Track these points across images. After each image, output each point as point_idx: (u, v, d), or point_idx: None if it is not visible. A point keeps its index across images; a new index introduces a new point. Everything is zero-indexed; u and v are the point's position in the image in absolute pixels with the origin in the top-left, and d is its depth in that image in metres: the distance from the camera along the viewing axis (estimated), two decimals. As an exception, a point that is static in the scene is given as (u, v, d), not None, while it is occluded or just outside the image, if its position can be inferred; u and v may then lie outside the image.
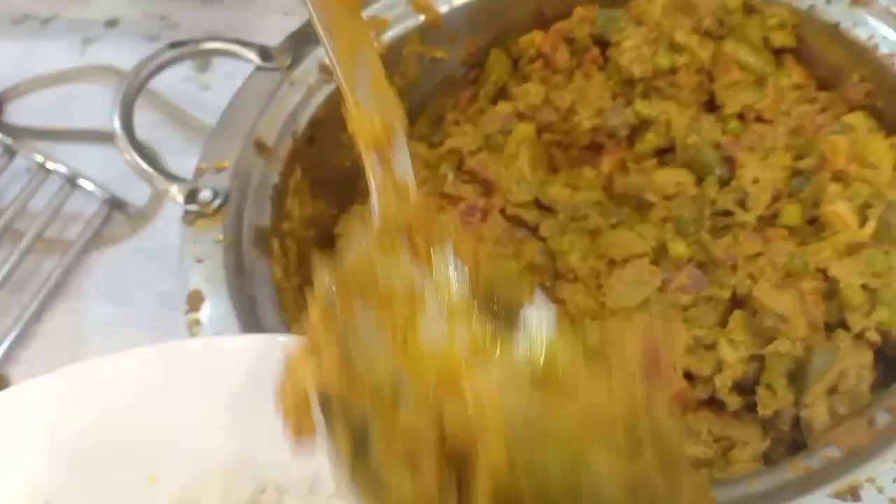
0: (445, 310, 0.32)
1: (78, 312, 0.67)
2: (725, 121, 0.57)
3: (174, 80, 0.76)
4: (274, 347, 0.36)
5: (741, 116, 0.57)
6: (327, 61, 0.38)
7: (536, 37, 0.61)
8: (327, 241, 0.60)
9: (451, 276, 0.33)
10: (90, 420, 0.39)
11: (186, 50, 0.54)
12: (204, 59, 0.77)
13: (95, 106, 0.73)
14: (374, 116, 0.37)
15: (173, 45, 0.54)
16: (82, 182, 0.70)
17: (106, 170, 0.70)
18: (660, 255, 0.53)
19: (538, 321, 0.32)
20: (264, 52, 0.56)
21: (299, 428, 0.32)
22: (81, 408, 0.40)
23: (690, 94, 0.58)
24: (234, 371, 0.39)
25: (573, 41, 0.60)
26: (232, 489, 0.39)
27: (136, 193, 0.71)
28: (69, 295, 0.68)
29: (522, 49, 0.62)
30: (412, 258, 0.33)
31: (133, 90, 0.53)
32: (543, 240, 0.56)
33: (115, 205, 0.70)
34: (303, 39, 0.58)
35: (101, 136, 0.72)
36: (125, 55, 0.65)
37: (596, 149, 0.59)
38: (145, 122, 0.76)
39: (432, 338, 0.32)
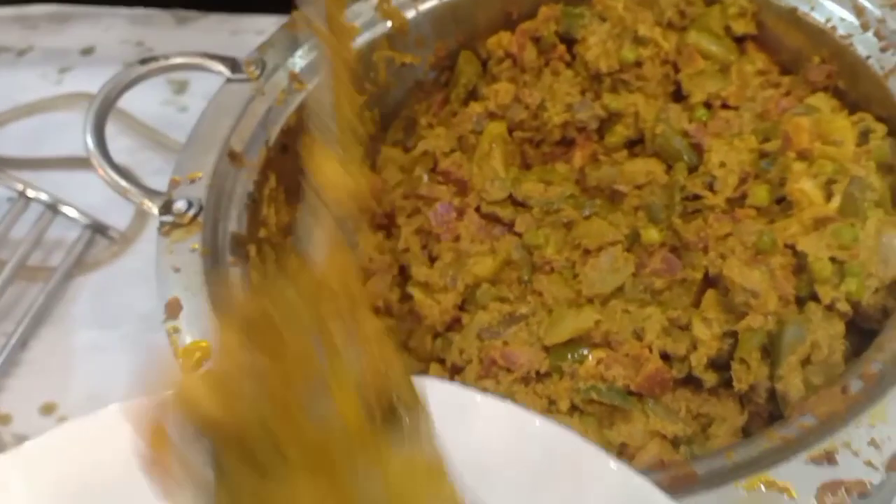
0: (331, 388, 0.31)
1: (64, 338, 0.67)
2: (692, 109, 0.58)
3: (152, 104, 0.77)
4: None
5: (707, 104, 0.58)
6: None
7: (504, 38, 0.62)
8: (305, 248, 0.60)
9: (350, 360, 0.31)
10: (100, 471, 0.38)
11: (156, 66, 0.55)
12: (179, 78, 0.78)
13: (74, 133, 0.72)
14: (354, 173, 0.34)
15: (143, 62, 0.55)
16: (63, 208, 0.71)
17: (87, 195, 0.70)
18: (633, 242, 0.54)
19: (413, 428, 0.32)
20: (234, 65, 0.57)
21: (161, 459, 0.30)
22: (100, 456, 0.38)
23: (657, 85, 0.59)
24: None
25: (540, 40, 0.61)
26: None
27: (118, 217, 0.71)
28: (54, 321, 0.68)
29: (491, 50, 0.63)
30: (320, 326, 0.31)
31: (104, 108, 0.54)
32: (519, 235, 0.57)
33: (97, 229, 0.71)
34: (271, 50, 0.59)
35: (81, 163, 0.72)
36: (102, 82, 0.66)
37: (567, 144, 0.60)
38: (124, 146, 0.77)
39: (313, 411, 0.30)
